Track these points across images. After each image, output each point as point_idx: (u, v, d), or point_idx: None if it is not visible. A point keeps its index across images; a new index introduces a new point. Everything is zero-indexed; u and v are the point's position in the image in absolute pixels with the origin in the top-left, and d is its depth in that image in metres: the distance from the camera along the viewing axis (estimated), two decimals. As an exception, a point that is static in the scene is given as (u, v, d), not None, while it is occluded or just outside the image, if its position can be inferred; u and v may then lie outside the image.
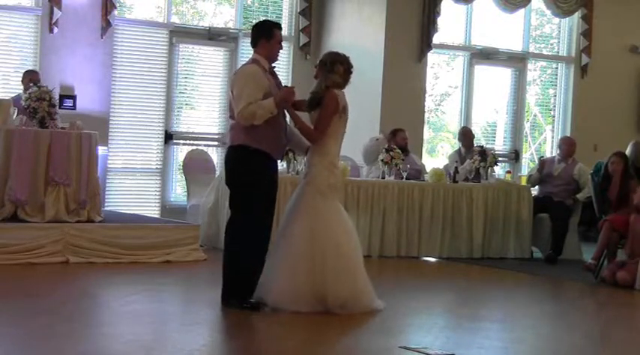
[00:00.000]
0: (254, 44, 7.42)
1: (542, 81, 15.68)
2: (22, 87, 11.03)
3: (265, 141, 7.21)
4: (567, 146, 12.21)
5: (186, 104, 13.55)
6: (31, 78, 10.97)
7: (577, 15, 15.01)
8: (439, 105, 15.09)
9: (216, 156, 13.14)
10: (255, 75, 7.24)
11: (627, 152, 11.33)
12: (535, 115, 15.60)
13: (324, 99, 7.28)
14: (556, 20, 15.28)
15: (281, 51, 7.51)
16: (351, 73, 7.41)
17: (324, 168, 7.32)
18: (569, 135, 14.23)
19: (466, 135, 12.83)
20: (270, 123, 7.20)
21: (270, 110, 7.12)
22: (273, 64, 7.46)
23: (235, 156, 7.32)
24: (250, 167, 7.24)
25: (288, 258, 7.22)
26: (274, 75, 7.47)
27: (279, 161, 7.63)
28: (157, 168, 13.05)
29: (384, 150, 11.33)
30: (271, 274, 7.26)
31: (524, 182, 12.38)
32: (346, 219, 7.47)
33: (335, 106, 7.28)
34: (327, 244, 7.21)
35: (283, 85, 7.62)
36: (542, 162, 12.30)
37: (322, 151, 7.35)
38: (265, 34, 7.36)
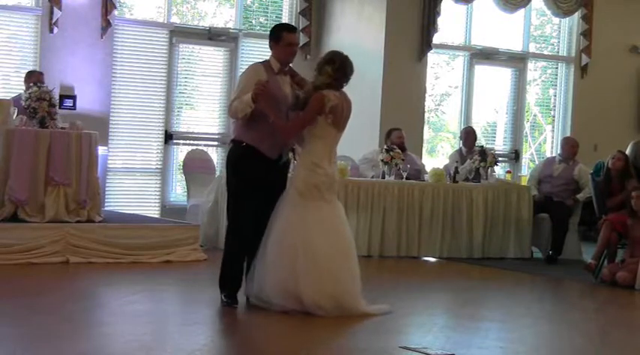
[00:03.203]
0: (269, 46, 7.56)
1: (542, 81, 15.67)
2: (24, 87, 10.99)
3: (258, 139, 7.26)
4: (570, 147, 12.08)
5: (186, 104, 13.55)
6: (35, 79, 10.91)
7: (577, 15, 15.01)
8: (439, 105, 15.08)
9: (216, 156, 13.14)
10: (252, 72, 7.38)
11: (627, 152, 11.33)
12: (535, 115, 15.60)
13: (310, 99, 7.24)
14: (556, 20, 15.28)
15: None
16: (344, 71, 7.27)
17: (304, 168, 7.26)
18: (569, 135, 14.20)
19: (470, 135, 12.74)
20: (268, 120, 7.21)
21: (248, 103, 7.16)
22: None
23: (230, 149, 7.53)
24: (240, 162, 7.34)
25: (266, 256, 7.20)
26: (292, 75, 7.49)
27: (291, 159, 7.69)
28: (157, 168, 13.04)
29: (384, 150, 11.33)
30: (255, 271, 7.27)
31: (524, 182, 12.37)
32: (327, 220, 7.26)
33: (318, 107, 7.17)
34: (298, 243, 7.10)
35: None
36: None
37: (306, 150, 7.31)
38: (275, 37, 7.49)
